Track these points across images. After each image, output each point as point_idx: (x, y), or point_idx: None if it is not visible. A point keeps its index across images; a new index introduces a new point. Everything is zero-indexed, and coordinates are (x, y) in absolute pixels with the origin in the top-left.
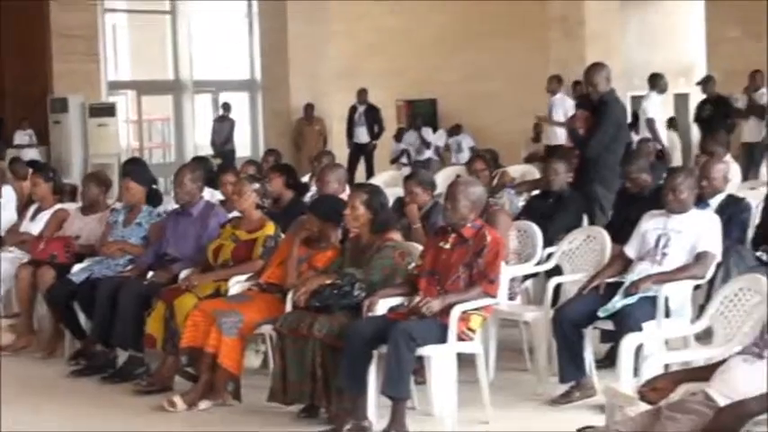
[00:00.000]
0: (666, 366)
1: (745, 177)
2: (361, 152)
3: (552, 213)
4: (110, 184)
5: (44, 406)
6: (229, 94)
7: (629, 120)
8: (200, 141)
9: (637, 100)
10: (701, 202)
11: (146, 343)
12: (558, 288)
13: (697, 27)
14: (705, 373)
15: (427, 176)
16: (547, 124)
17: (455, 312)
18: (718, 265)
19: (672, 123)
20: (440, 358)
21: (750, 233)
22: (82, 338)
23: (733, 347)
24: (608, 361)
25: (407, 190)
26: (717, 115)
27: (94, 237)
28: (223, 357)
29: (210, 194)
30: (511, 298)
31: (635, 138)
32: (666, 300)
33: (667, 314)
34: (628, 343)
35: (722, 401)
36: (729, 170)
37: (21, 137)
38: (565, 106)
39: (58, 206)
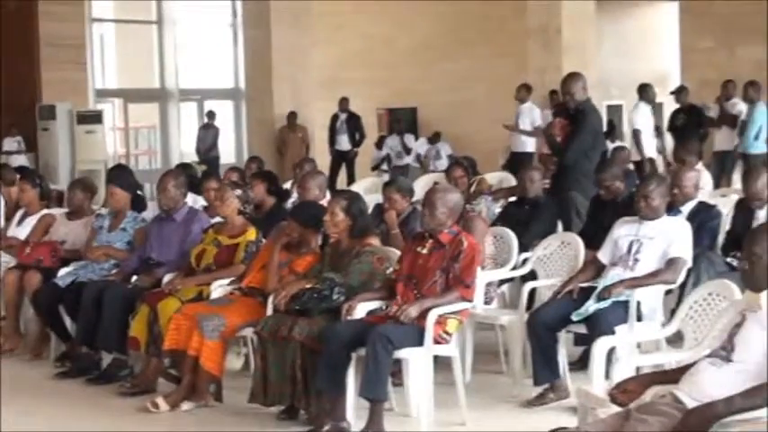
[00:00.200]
0: (638, 369)
1: (717, 185)
2: (342, 159)
3: (528, 220)
4: (95, 190)
5: (31, 407)
6: (214, 102)
7: (604, 128)
8: (185, 148)
9: (613, 109)
10: (672, 208)
11: (130, 345)
12: (532, 292)
13: (671, 37)
14: (674, 375)
15: (405, 183)
16: (514, 132)
17: (432, 316)
18: (689, 271)
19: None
20: (417, 361)
21: (720, 239)
22: (67, 341)
23: (702, 351)
24: (581, 363)
25: (386, 196)
26: (690, 124)
27: (80, 241)
28: (205, 360)
29: (194, 200)
30: (487, 302)
31: (610, 146)
32: (638, 304)
33: (639, 318)
34: (600, 346)
35: (690, 403)
36: (701, 178)
37: (9, 143)
38: (532, 115)
39: (45, 211)
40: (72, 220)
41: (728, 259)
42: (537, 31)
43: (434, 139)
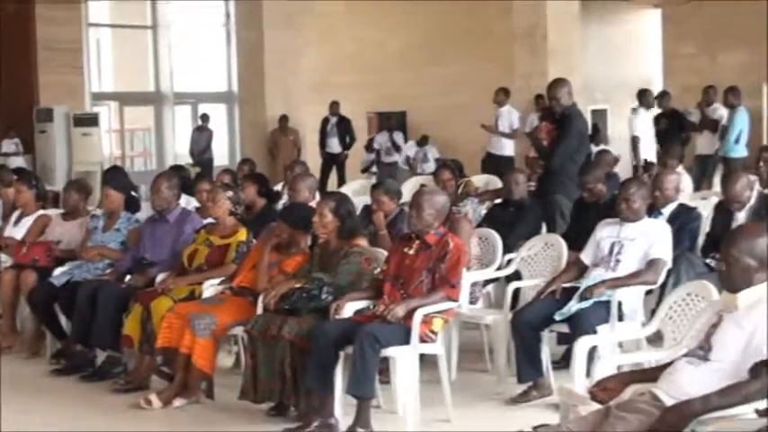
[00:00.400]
0: (619, 367)
1: (698, 188)
2: (333, 162)
3: (513, 221)
4: (90, 191)
5: (27, 403)
6: (208, 105)
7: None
8: (179, 150)
9: (597, 113)
10: (654, 211)
11: (123, 343)
12: (517, 292)
13: (654, 44)
14: (653, 374)
15: (393, 186)
16: (492, 134)
17: (418, 315)
18: (669, 272)
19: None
20: (403, 359)
21: (700, 241)
22: (63, 339)
23: (680, 350)
24: (564, 362)
25: (374, 198)
26: (672, 129)
27: (75, 242)
28: (197, 357)
29: (186, 201)
30: (472, 302)
31: (594, 149)
32: (620, 304)
33: (620, 318)
34: (581, 345)
35: (668, 401)
36: (681, 181)
37: (7, 145)
38: (511, 118)
39: (41, 212)
40: (67, 220)
41: (708, 260)
42: (523, 37)
43: (423, 142)
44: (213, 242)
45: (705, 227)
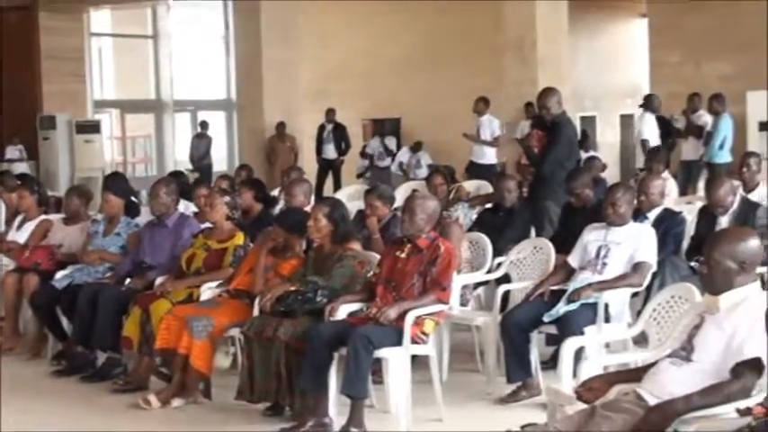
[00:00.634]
0: (605, 368)
1: (684, 193)
2: (329, 167)
3: (502, 226)
4: (91, 196)
5: (28, 404)
6: (207, 112)
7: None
8: (179, 157)
9: (586, 120)
10: (639, 215)
11: (123, 345)
12: (506, 295)
13: (641, 53)
14: (637, 374)
15: (386, 191)
16: (474, 142)
17: (409, 317)
18: (654, 274)
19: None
20: (396, 360)
21: (685, 244)
22: (64, 340)
23: (664, 351)
24: (553, 363)
25: (368, 203)
26: (659, 135)
27: (76, 246)
28: (194, 358)
29: (185, 206)
30: (463, 304)
31: (584, 155)
32: (606, 306)
33: (607, 320)
34: (568, 346)
35: (652, 401)
36: (666, 186)
37: (11, 152)
38: (491, 126)
39: (43, 217)
40: (69, 225)
41: (692, 263)
42: (514, 47)
43: (416, 148)
44: (211, 246)
45: (690, 231)
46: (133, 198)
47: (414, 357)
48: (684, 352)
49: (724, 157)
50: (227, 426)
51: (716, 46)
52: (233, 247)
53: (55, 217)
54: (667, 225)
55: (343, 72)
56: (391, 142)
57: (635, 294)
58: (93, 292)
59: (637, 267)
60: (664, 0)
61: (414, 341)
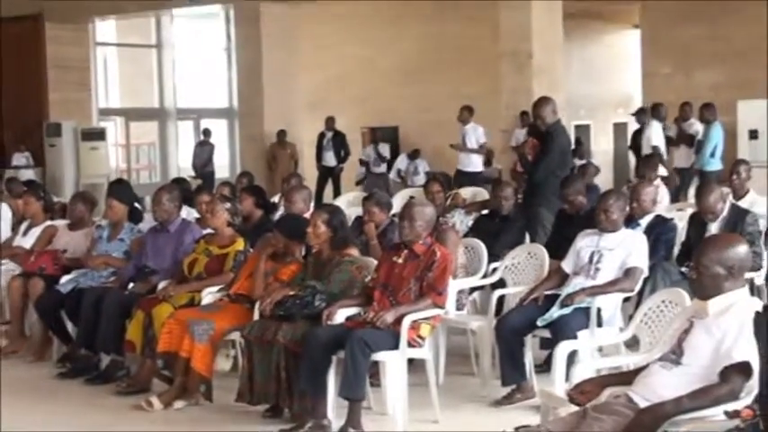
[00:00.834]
0: (598, 371)
1: (676, 200)
2: (329, 174)
3: (498, 232)
4: (95, 202)
5: (34, 405)
6: (210, 120)
7: (573, 146)
8: (182, 164)
9: (581, 128)
10: (631, 221)
11: (126, 348)
12: (501, 299)
13: (634, 63)
14: (628, 377)
15: (384, 198)
16: (461, 151)
17: (406, 321)
18: (646, 280)
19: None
20: (392, 363)
21: (676, 250)
22: (69, 343)
23: (655, 354)
24: (547, 366)
25: (366, 210)
26: None
27: (81, 251)
28: (196, 361)
29: (187, 213)
30: (459, 308)
31: (578, 163)
32: (599, 310)
33: (600, 324)
34: (561, 350)
35: (642, 403)
36: (658, 193)
37: (18, 159)
38: (477, 134)
39: (48, 222)
40: (73, 230)
41: (683, 269)
42: (509, 56)
43: (414, 155)
44: (212, 251)
45: (681, 237)
46: (137, 204)
47: (410, 360)
48: (674, 355)
49: (715, 164)
50: (228, 427)
51: (707, 56)
52: (234, 252)
53: (60, 222)
54: (659, 231)
55: (343, 81)
56: (385, 149)
57: (627, 299)
58: (97, 296)
59: (629, 273)
60: (656, 12)
61: (410, 345)
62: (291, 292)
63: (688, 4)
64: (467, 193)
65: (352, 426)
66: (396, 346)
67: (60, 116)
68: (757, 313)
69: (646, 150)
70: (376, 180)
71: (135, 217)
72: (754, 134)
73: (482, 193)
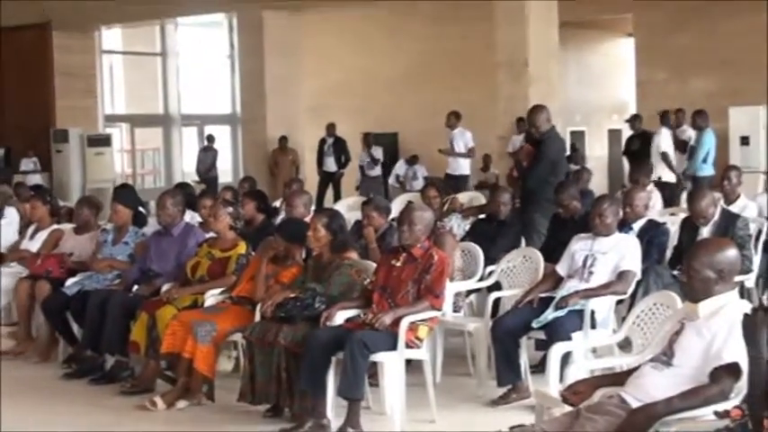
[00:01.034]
0: (591, 371)
1: (669, 204)
2: (329, 179)
3: (494, 236)
4: (100, 206)
5: (40, 405)
6: (213, 127)
7: (568, 153)
8: (186, 169)
9: (576, 134)
10: (624, 226)
11: (130, 349)
12: (497, 302)
13: (629, 71)
14: (620, 378)
15: (382, 202)
16: (449, 156)
17: (404, 323)
18: (639, 283)
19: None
20: (391, 364)
21: (668, 254)
22: (74, 345)
23: (646, 356)
24: (541, 367)
25: (365, 214)
26: (644, 149)
27: (86, 254)
28: (198, 362)
29: (191, 217)
30: (456, 310)
31: (574, 168)
32: (592, 313)
33: (593, 326)
34: (556, 351)
35: (634, 404)
36: (651, 198)
37: (26, 164)
38: (464, 138)
39: (54, 226)
40: (79, 234)
41: (675, 272)
42: (506, 64)
43: (412, 161)
44: (214, 255)
45: (673, 241)
46: (141, 208)
47: (408, 361)
48: (665, 357)
49: (707, 170)
50: (230, 426)
51: (699, 64)
52: (236, 255)
53: (66, 226)
54: (651, 235)
55: (343, 88)
56: (378, 152)
57: (620, 302)
58: (102, 299)
59: (622, 276)
60: (649, 21)
61: (408, 346)
62: (292, 295)
63: (680, 14)
64: (464, 198)
65: (351, 425)
66: (394, 347)
67: (67, 122)
68: (746, 315)
69: (655, 156)
70: (370, 183)
71: (139, 221)
72: (745, 140)
73: (479, 198)
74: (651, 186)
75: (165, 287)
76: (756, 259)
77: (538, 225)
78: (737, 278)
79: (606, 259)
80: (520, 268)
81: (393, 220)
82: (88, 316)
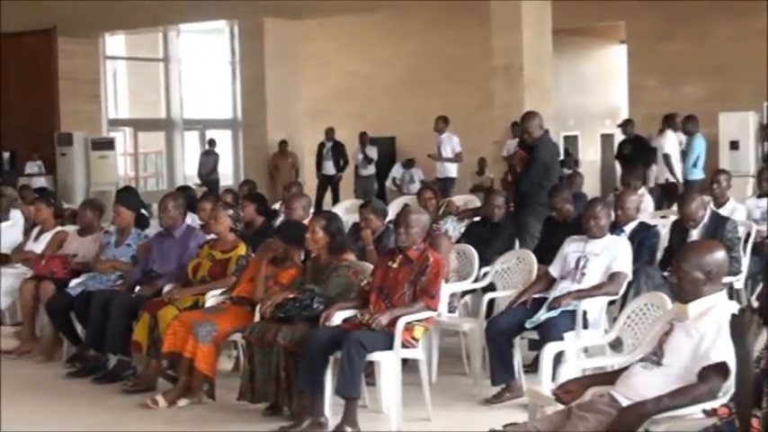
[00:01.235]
0: (583, 371)
1: (660, 207)
2: (328, 183)
3: (489, 238)
4: (103, 209)
5: (44, 403)
6: (214, 131)
7: (561, 157)
8: (188, 172)
9: (569, 139)
10: (616, 228)
11: (133, 348)
12: (491, 302)
13: (621, 77)
14: (610, 377)
15: (380, 205)
16: (437, 160)
17: (400, 323)
18: (630, 284)
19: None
20: (387, 363)
21: (659, 256)
22: (77, 344)
23: (637, 356)
24: (534, 366)
25: (362, 216)
26: (636, 153)
27: (90, 255)
28: (199, 362)
29: (192, 219)
30: (451, 311)
31: (566, 171)
32: (584, 313)
33: (585, 326)
34: (548, 351)
35: (624, 402)
36: (642, 201)
37: (31, 167)
38: (452, 143)
39: (58, 228)
40: (83, 236)
41: (665, 273)
42: (502, 71)
43: (409, 164)
44: (215, 256)
45: (664, 243)
46: (143, 211)
47: (404, 361)
48: (655, 357)
49: (697, 174)
50: (230, 424)
51: (690, 70)
52: (236, 257)
53: (70, 228)
54: (642, 237)
55: (342, 93)
56: (372, 151)
57: (611, 302)
58: (105, 299)
59: (613, 277)
60: (641, 29)
61: (404, 345)
62: (291, 296)
63: (671, 22)
64: (459, 200)
65: (349, 423)
66: (390, 347)
67: (71, 126)
68: (733, 315)
69: (658, 157)
70: (363, 183)
71: (142, 223)
72: (734, 145)
73: (474, 201)
74: (643, 189)
75: (166, 288)
76: (745, 261)
77: (531, 228)
78: (726, 279)
79: (598, 261)
80: (514, 270)
81: (390, 222)
82: (91, 316)
